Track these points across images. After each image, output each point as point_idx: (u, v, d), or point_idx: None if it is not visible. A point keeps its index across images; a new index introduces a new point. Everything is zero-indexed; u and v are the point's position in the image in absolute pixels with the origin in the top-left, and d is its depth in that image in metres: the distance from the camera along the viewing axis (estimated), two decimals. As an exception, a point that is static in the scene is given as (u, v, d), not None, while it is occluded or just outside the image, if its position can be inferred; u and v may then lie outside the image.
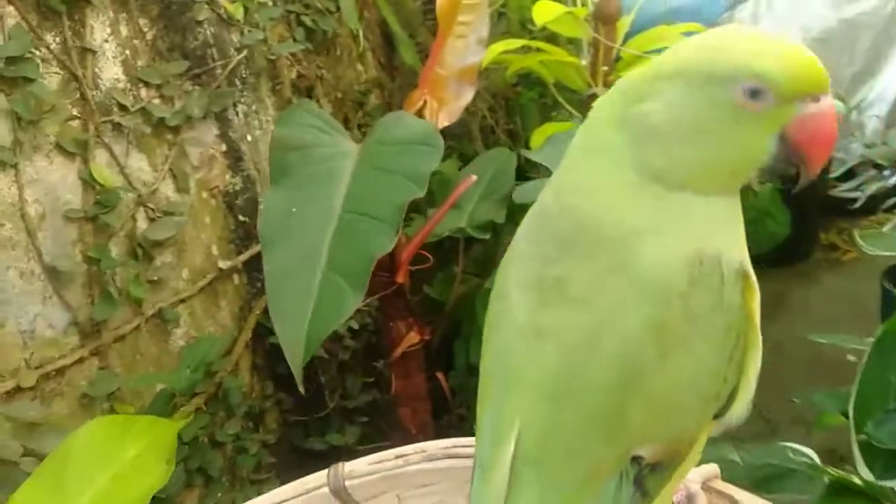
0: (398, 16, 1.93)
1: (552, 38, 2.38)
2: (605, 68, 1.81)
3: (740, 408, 0.43)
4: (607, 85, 1.84)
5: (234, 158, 1.32)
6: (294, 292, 0.82)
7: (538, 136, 1.80)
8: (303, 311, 0.82)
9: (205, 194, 1.27)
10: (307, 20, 1.57)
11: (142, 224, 1.12)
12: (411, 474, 0.56)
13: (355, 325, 1.40)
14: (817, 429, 1.81)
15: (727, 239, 0.41)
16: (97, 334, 1.02)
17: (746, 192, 1.24)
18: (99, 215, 1.01)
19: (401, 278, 1.20)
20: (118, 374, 1.03)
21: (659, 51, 1.50)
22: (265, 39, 1.37)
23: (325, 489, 0.56)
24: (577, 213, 0.42)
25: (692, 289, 0.39)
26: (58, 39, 1.02)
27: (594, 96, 1.85)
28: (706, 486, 0.51)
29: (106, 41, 1.10)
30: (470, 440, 0.54)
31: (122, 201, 1.06)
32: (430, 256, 1.26)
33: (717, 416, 0.42)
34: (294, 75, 1.50)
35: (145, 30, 1.19)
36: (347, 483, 0.56)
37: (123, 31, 1.14)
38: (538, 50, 1.90)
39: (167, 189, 1.18)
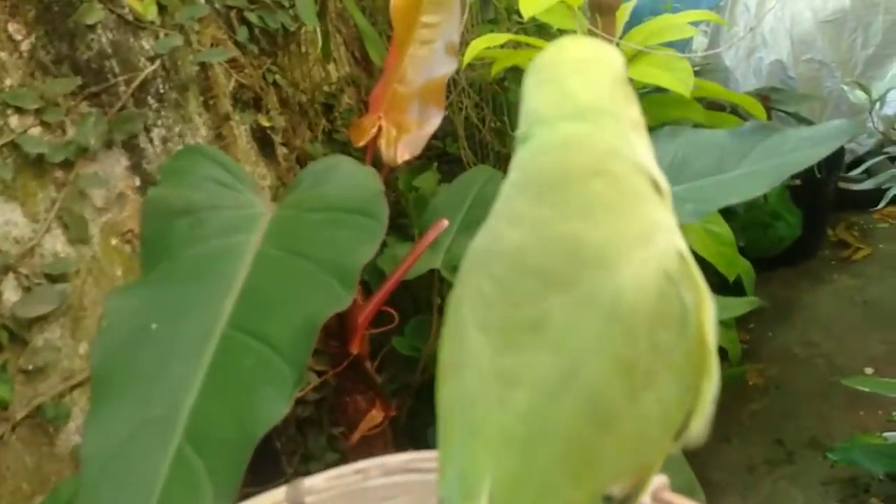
0: (366, 6, 1.60)
1: (542, 29, 2.05)
2: (603, 65, 1.48)
3: (698, 427, 0.40)
4: (605, 84, 1.51)
5: (153, 194, 1.00)
6: (125, 484, 0.49)
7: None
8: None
9: (114, 241, 0.96)
10: (252, 17, 1.24)
11: (11, 296, 0.81)
12: (370, 489, 0.54)
13: (310, 396, 1.09)
14: (841, 463, 1.54)
15: (678, 239, 0.39)
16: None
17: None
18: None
19: (356, 348, 0.89)
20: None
21: (667, 45, 1.17)
22: (189, 44, 1.04)
23: None
24: (567, 239, 0.37)
25: (658, 321, 0.37)
26: None
27: (590, 96, 1.53)
28: (656, 497, 0.49)
29: (-50, 57, 0.78)
30: (429, 454, 0.53)
31: (-27, 273, 0.75)
32: (394, 314, 0.95)
33: (675, 439, 0.40)
34: (233, 85, 1.17)
35: (17, 38, 0.86)
36: (307, 499, 0.54)
37: (-18, 41, 0.81)
38: (526, 45, 1.57)
39: (54, 243, 0.87)
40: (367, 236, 0.61)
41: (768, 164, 0.80)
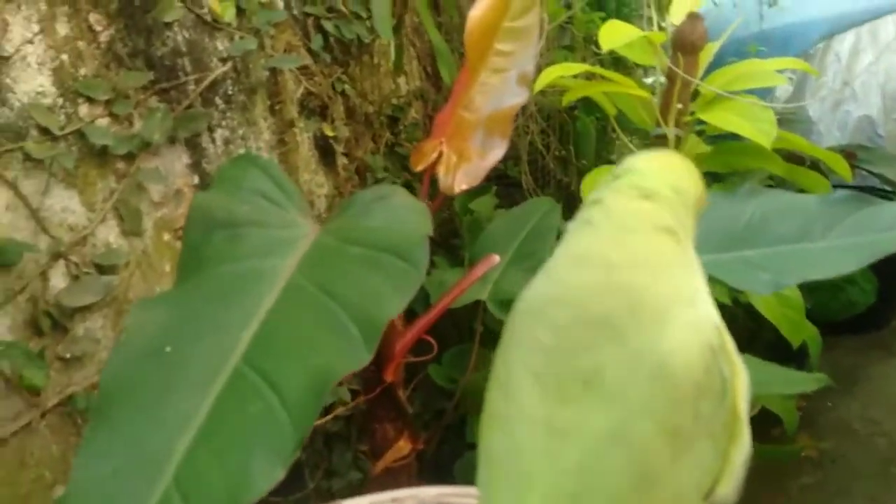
0: (442, 23, 1.59)
1: (619, 62, 2.00)
2: (680, 106, 1.43)
3: (724, 491, 0.41)
4: (679, 125, 1.46)
5: (209, 193, 1.00)
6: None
7: (590, 182, 1.43)
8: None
9: (167, 236, 0.96)
10: (328, 26, 1.24)
11: (58, 283, 0.81)
12: None
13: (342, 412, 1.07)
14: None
15: (713, 310, 0.41)
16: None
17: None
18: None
19: (391, 375, 0.86)
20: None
21: (749, 92, 1.11)
22: (262, 48, 1.04)
23: None
24: (631, 289, 0.39)
25: (701, 392, 0.38)
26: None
27: (662, 137, 1.47)
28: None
29: (29, 42, 0.79)
30: (461, 489, 0.56)
31: (23, 256, 0.76)
32: (433, 343, 0.92)
33: (703, 500, 0.40)
34: (301, 92, 1.17)
35: (98, 28, 0.87)
36: None
37: (62, 29, 0.83)
38: (601, 77, 1.53)
39: (108, 233, 0.87)
40: (402, 284, 0.58)
41: (859, 239, 0.73)
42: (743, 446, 0.41)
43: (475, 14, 0.81)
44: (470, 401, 1.04)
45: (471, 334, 1.08)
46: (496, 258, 0.86)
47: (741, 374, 0.41)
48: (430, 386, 1.11)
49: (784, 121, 2.07)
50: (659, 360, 0.38)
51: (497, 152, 0.80)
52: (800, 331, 1.37)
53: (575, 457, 0.38)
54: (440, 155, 0.81)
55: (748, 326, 1.68)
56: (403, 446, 0.91)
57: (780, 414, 1.47)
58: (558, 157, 2.12)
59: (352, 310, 0.59)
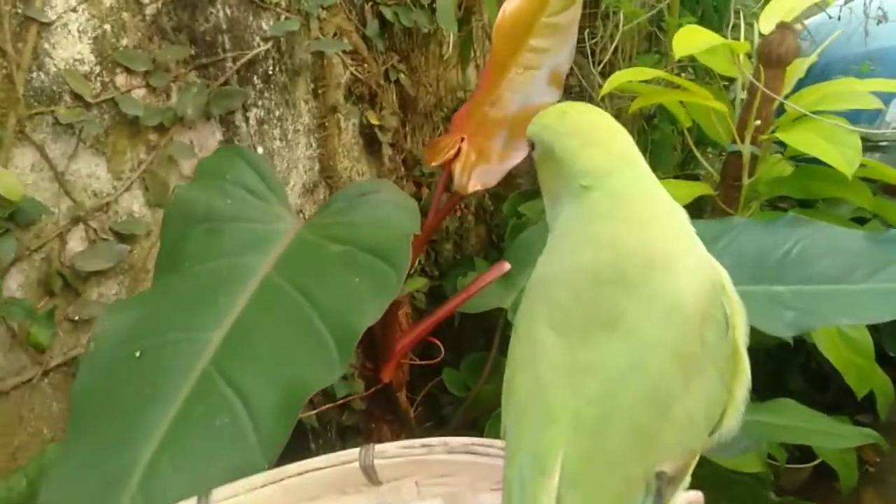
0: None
1: (709, 71, 1.88)
2: (758, 122, 1.32)
3: (730, 424, 0.46)
4: (756, 144, 1.35)
5: (239, 172, 1.01)
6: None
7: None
8: None
9: (195, 210, 0.98)
10: (387, 12, 1.23)
11: (76, 246, 0.84)
12: (432, 463, 0.58)
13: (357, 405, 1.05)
14: None
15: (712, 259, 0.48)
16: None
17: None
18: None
19: (389, 376, 0.84)
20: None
21: (837, 114, 1.00)
22: (308, 29, 1.04)
23: (356, 464, 0.58)
24: (640, 247, 0.45)
25: (707, 322, 0.44)
26: (-9, 0, 0.75)
27: (737, 154, 1.37)
28: (691, 507, 0.49)
29: (73, 10, 0.82)
30: (487, 441, 0.57)
31: (42, 218, 0.79)
32: (440, 347, 0.89)
33: (710, 433, 0.46)
34: (348, 77, 1.16)
35: (145, 1, 0.90)
36: (376, 462, 0.57)
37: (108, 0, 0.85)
38: (677, 85, 1.44)
39: (132, 202, 0.90)
40: (381, 288, 0.55)
41: (906, 285, 0.65)
42: (745, 381, 0.47)
43: (508, 7, 0.77)
44: (479, 410, 1.01)
45: (489, 340, 1.04)
46: (506, 266, 0.82)
47: (740, 311, 0.47)
48: (440, 392, 1.08)
49: (891, 148, 1.90)
50: (671, 298, 0.43)
51: (519, 154, 0.76)
52: (867, 380, 1.24)
53: (596, 388, 0.42)
54: (458, 151, 0.77)
55: (822, 370, 1.55)
56: (398, 450, 0.88)
57: (836, 468, 1.35)
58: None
59: (327, 316, 0.57)
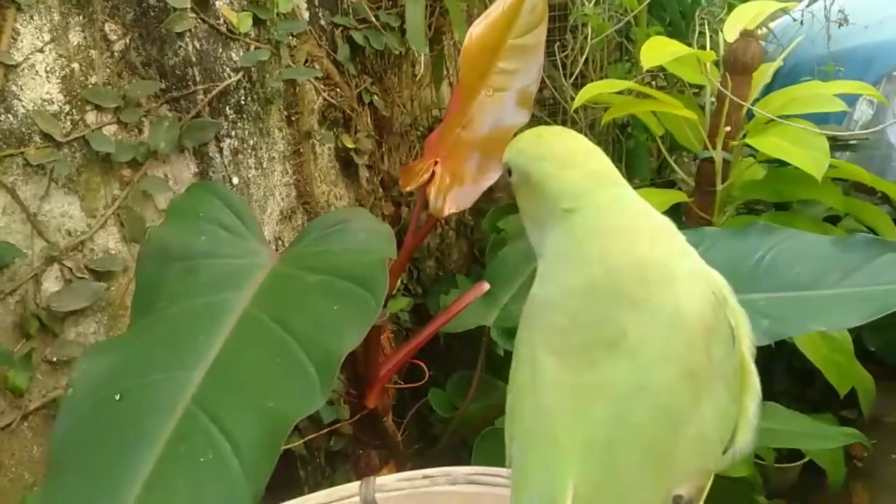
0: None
1: (679, 80, 1.91)
2: (728, 128, 1.34)
3: (744, 440, 0.45)
4: (728, 150, 1.37)
5: (216, 202, 1.00)
6: None
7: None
8: None
9: (172, 243, 0.97)
10: (357, 36, 1.24)
11: (51, 286, 0.83)
12: (436, 495, 0.57)
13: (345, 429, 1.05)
14: None
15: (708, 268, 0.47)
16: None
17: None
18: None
19: (373, 401, 0.84)
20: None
21: (805, 116, 1.03)
22: (279, 58, 1.05)
23: (356, 499, 0.58)
24: (634, 262, 0.44)
25: (712, 335, 0.43)
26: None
27: (709, 161, 1.39)
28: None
29: (39, 51, 0.82)
30: (491, 470, 0.58)
31: (15, 260, 0.78)
32: (425, 369, 0.89)
33: (724, 451, 0.44)
34: (321, 102, 1.17)
35: (113, 38, 0.90)
36: (377, 496, 0.58)
37: (75, 38, 0.85)
38: (647, 95, 1.46)
39: (107, 239, 0.89)
40: (360, 315, 0.55)
41: (876, 288, 0.66)
42: (755, 394, 0.45)
43: (475, 31, 0.78)
44: (466, 430, 1.01)
45: (474, 358, 1.04)
46: (485, 286, 0.83)
47: (744, 322, 0.46)
48: (430, 413, 1.08)
49: (860, 147, 1.94)
50: (673, 310, 0.42)
51: (492, 176, 0.77)
52: (848, 377, 1.26)
53: (603, 410, 0.41)
54: (433, 175, 0.78)
55: (806, 368, 1.57)
56: (387, 475, 0.88)
57: (824, 466, 1.36)
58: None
59: (308, 345, 0.57)
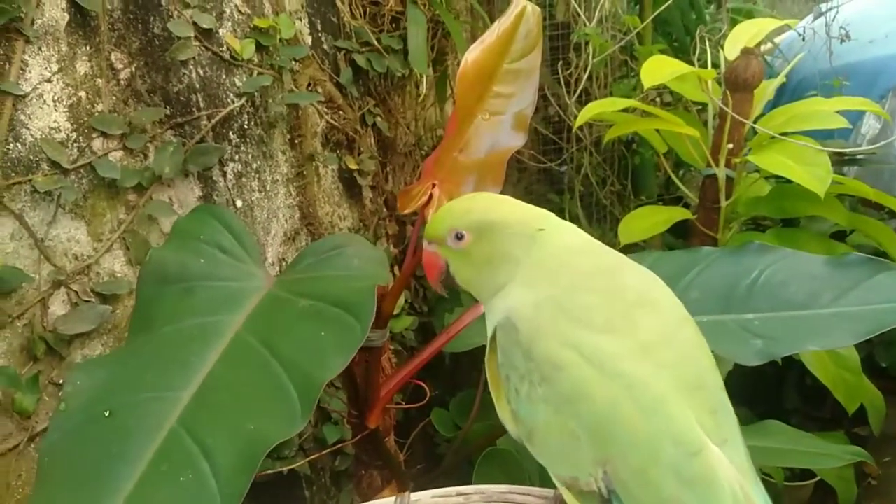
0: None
1: (677, 96, 1.92)
2: (731, 145, 1.35)
3: None
4: (731, 166, 1.38)
5: (220, 225, 1.02)
6: None
7: (627, 228, 1.38)
8: None
9: (177, 266, 0.99)
10: (360, 60, 1.26)
11: (58, 310, 0.85)
12: None
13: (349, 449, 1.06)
14: None
15: None
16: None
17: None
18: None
19: (374, 422, 0.85)
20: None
21: (807, 133, 1.03)
22: (281, 83, 1.07)
23: None
24: (613, 294, 0.53)
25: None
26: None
27: (713, 177, 1.40)
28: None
29: (47, 81, 0.84)
30: (523, 489, 0.61)
31: (22, 285, 0.80)
32: (426, 389, 0.90)
33: None
34: (326, 125, 1.19)
35: (119, 66, 0.92)
36: None
37: (82, 68, 0.88)
38: (647, 112, 1.47)
39: (113, 263, 0.91)
40: (345, 342, 0.57)
41: (870, 307, 0.67)
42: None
43: (470, 56, 0.80)
44: (468, 449, 1.01)
45: (475, 378, 1.05)
46: (481, 308, 0.84)
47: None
48: (435, 432, 1.09)
49: (867, 162, 1.93)
50: (679, 314, 0.53)
51: (489, 198, 0.78)
52: (856, 394, 1.25)
53: (671, 355, 0.49)
54: (430, 198, 0.79)
55: (816, 386, 1.56)
56: (389, 496, 0.89)
57: (834, 485, 1.35)
58: (614, 191, 2.06)
59: (293, 370, 0.59)
